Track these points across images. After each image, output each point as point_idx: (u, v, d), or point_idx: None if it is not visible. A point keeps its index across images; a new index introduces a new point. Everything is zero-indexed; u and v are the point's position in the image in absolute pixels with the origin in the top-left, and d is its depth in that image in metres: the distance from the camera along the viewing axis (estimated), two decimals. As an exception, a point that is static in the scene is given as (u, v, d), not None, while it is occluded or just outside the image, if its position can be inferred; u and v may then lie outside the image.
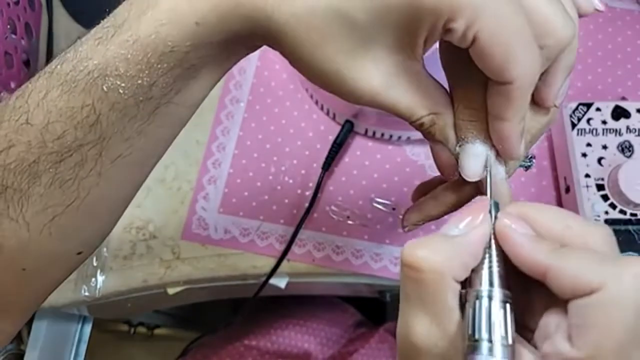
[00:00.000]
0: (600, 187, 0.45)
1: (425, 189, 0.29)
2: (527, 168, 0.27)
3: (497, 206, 0.21)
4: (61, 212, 0.24)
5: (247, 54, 0.25)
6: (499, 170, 0.23)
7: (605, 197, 0.45)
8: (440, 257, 0.18)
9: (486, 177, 0.23)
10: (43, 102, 0.22)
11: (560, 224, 0.19)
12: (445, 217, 0.28)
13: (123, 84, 0.21)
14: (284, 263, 0.48)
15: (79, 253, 0.27)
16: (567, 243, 0.19)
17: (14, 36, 0.51)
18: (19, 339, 0.67)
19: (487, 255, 0.20)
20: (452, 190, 0.26)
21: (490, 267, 0.19)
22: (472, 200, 0.21)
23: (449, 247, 0.19)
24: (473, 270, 0.19)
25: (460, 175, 0.24)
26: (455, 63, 0.23)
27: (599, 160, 0.46)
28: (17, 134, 0.22)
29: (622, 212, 0.44)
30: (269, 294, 0.52)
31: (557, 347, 0.18)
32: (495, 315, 0.18)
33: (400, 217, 0.45)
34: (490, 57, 0.19)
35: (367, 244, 0.48)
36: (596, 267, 0.17)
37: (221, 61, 0.24)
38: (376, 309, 0.78)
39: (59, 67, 0.22)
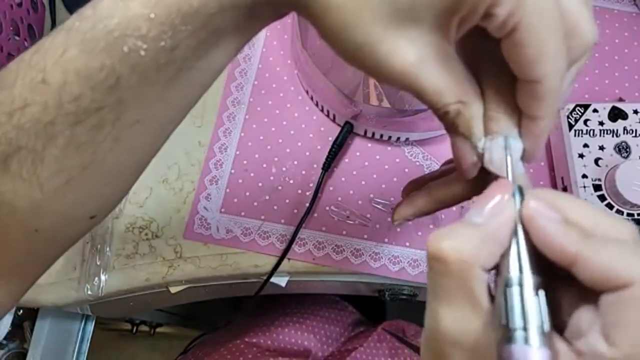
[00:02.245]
0: (597, 188, 0.45)
1: (416, 186, 0.29)
2: None
3: (520, 190, 0.20)
4: (76, 175, 0.23)
5: (275, 20, 0.24)
6: (519, 166, 0.22)
7: (602, 198, 0.45)
8: (467, 247, 0.18)
9: (506, 159, 0.22)
10: (60, 60, 0.21)
11: (588, 215, 0.18)
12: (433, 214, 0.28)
13: (145, 46, 0.20)
14: (285, 262, 0.48)
15: (92, 217, 0.26)
16: (595, 235, 0.18)
17: (17, 38, 0.51)
18: (22, 338, 0.68)
19: (514, 240, 0.19)
20: (446, 186, 0.26)
21: (518, 253, 0.18)
22: (493, 183, 0.20)
23: (475, 237, 0.18)
24: (500, 257, 0.19)
25: (479, 173, 0.23)
26: (482, 55, 0.22)
27: (596, 161, 0.46)
28: (32, 93, 0.21)
29: (619, 212, 0.45)
30: (270, 292, 0.53)
31: (593, 346, 0.17)
32: (529, 302, 0.17)
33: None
34: (524, 50, 0.18)
35: (366, 243, 0.49)
36: (628, 259, 0.16)
37: (246, 27, 0.23)
38: (375, 308, 0.79)
39: (77, 24, 0.21)
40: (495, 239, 0.18)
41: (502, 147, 0.22)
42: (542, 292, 0.17)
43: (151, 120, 0.23)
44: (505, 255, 0.19)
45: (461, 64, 0.22)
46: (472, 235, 0.18)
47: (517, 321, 0.17)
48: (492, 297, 0.18)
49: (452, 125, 0.22)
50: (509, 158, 0.22)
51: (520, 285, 0.18)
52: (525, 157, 0.22)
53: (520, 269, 0.18)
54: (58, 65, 0.21)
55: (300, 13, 0.21)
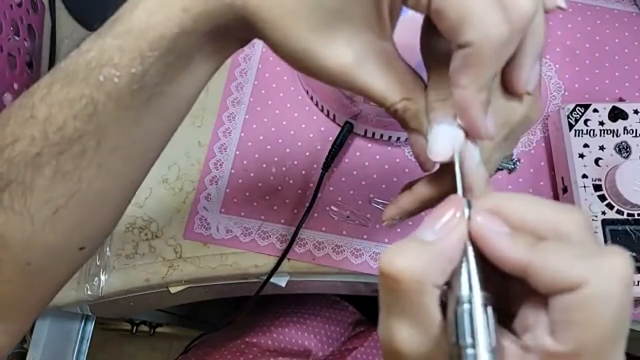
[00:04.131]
0: (597, 188, 0.45)
1: (410, 187, 0.29)
2: (510, 170, 0.27)
3: (469, 203, 0.20)
4: (63, 204, 0.24)
5: (239, 47, 0.25)
6: (474, 154, 0.22)
7: (602, 198, 0.45)
8: (418, 266, 0.18)
9: (455, 169, 0.22)
10: (47, 96, 0.23)
11: (534, 214, 0.19)
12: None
13: (118, 73, 0.22)
14: (285, 262, 0.48)
15: (82, 248, 0.27)
16: (543, 234, 0.18)
17: (17, 38, 0.51)
18: (22, 338, 0.68)
19: (464, 256, 0.19)
20: (426, 184, 0.26)
21: (468, 270, 0.19)
22: (446, 199, 0.20)
23: (426, 255, 0.18)
24: (452, 273, 0.19)
25: (430, 159, 0.23)
26: (431, 48, 0.23)
27: (597, 161, 0.46)
28: (21, 128, 0.23)
29: (620, 212, 0.45)
30: (270, 292, 0.53)
31: (539, 341, 0.17)
32: (478, 320, 0.18)
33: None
34: (445, 19, 0.19)
35: (366, 243, 0.49)
36: (577, 262, 0.17)
37: (211, 53, 0.24)
38: (375, 307, 0.78)
39: (63, 63, 0.23)
40: (446, 256, 0.19)
41: (437, 134, 0.22)
42: (490, 309, 0.18)
43: (130, 146, 0.25)
44: (456, 272, 0.19)
45: (402, 61, 0.23)
46: (423, 253, 0.18)
47: (467, 338, 0.17)
48: (445, 312, 0.19)
49: (403, 121, 0.23)
50: (456, 162, 0.22)
51: (470, 302, 0.18)
52: (471, 137, 0.22)
53: (470, 286, 0.18)
54: (44, 101, 0.23)
55: (256, 36, 0.23)
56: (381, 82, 0.22)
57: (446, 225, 0.19)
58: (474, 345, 0.17)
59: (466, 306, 0.18)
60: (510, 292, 0.20)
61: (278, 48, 0.22)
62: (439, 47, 0.23)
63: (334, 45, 0.22)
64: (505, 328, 0.19)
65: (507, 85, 0.23)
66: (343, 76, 0.22)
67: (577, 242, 0.18)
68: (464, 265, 0.19)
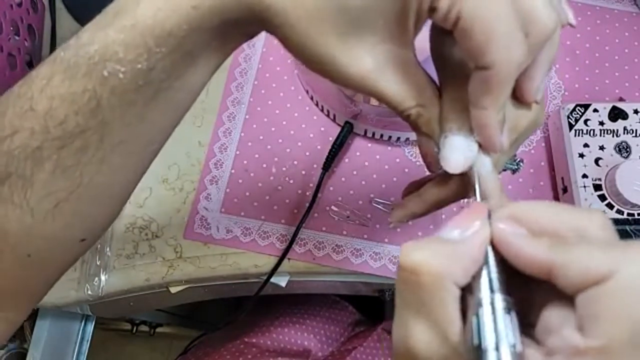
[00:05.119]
0: (597, 188, 0.45)
1: (415, 187, 0.29)
2: (514, 171, 0.27)
3: (488, 213, 0.20)
4: (64, 198, 0.24)
5: (245, 40, 0.25)
6: (485, 162, 0.22)
7: (602, 197, 0.45)
8: (440, 260, 0.18)
9: (473, 175, 0.22)
10: (46, 88, 0.22)
11: (554, 219, 0.19)
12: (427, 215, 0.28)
13: (123, 69, 0.21)
14: (285, 262, 0.48)
15: (83, 240, 0.27)
16: (564, 235, 0.18)
17: (17, 38, 0.51)
18: (22, 338, 0.68)
19: (486, 261, 0.19)
20: (435, 187, 0.26)
21: (489, 273, 0.19)
22: (469, 204, 0.21)
23: (449, 251, 0.18)
24: (472, 277, 0.19)
25: (445, 170, 0.23)
26: (444, 56, 0.23)
27: (597, 160, 0.46)
28: (21, 120, 0.22)
29: (620, 212, 0.45)
30: (270, 292, 0.53)
31: (567, 340, 0.17)
32: (501, 322, 0.17)
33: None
34: (471, 38, 0.19)
35: (366, 243, 0.49)
36: (603, 255, 0.16)
37: (219, 47, 0.24)
38: (375, 307, 0.78)
39: (62, 53, 0.22)
40: (469, 256, 0.19)
41: (452, 146, 0.22)
42: (513, 312, 0.18)
43: (134, 141, 0.24)
44: (477, 275, 0.19)
45: (420, 68, 0.23)
46: (446, 250, 0.18)
47: (490, 341, 0.17)
48: (464, 317, 0.18)
49: (415, 126, 0.24)
50: (474, 171, 0.22)
51: (492, 305, 0.18)
52: (487, 150, 0.22)
53: (491, 289, 0.18)
54: (44, 93, 0.22)
55: (268, 31, 0.22)
56: (397, 89, 0.22)
57: (470, 228, 0.19)
58: (496, 349, 0.16)
59: (488, 308, 0.17)
60: (531, 301, 0.19)
61: (295, 48, 0.22)
62: (452, 55, 0.23)
63: (355, 52, 0.21)
64: (527, 337, 0.19)
65: (518, 94, 0.23)
66: (360, 81, 0.22)
67: (599, 240, 0.18)
68: (485, 267, 0.19)
